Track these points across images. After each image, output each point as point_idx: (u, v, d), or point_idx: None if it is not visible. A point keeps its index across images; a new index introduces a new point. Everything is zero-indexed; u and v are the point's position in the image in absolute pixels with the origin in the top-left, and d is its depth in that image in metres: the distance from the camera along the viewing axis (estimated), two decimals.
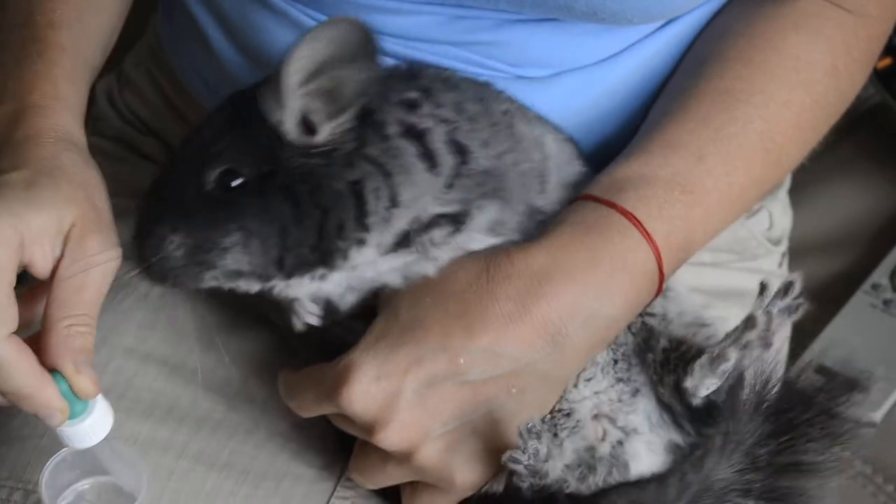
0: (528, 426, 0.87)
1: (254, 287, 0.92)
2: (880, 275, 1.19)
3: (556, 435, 0.93)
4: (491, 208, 0.93)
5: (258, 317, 1.06)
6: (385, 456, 0.92)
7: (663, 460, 0.95)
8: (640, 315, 0.95)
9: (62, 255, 0.88)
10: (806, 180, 1.16)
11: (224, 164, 0.90)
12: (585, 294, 0.91)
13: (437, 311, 0.90)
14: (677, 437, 0.95)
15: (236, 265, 0.90)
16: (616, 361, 0.95)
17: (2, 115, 0.94)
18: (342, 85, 0.89)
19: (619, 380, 0.95)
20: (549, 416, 0.93)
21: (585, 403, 0.94)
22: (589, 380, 0.94)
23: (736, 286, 1.11)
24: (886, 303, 1.18)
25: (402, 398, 0.89)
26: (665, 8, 0.99)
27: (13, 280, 0.86)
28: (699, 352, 0.92)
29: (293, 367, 0.97)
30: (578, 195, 0.96)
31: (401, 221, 0.91)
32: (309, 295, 0.94)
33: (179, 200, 0.90)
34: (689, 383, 0.92)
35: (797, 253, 1.19)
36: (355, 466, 0.95)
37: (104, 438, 0.89)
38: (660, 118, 0.99)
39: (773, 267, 1.15)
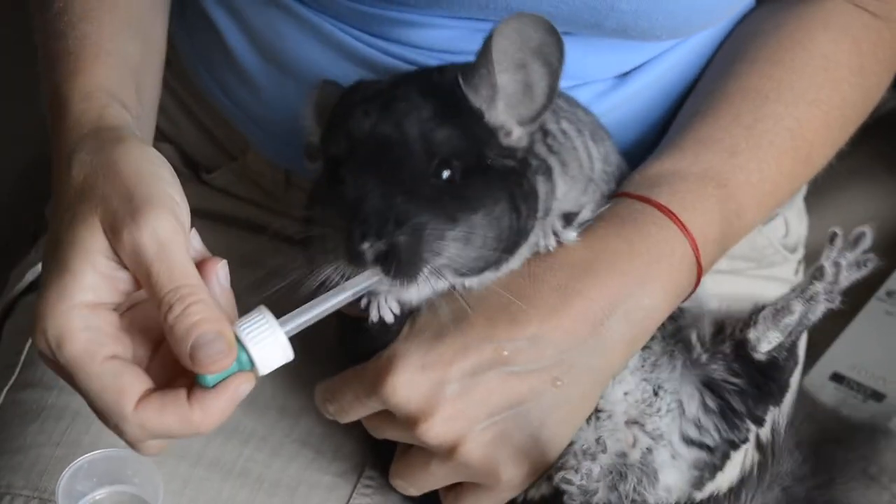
0: (584, 447, 0.87)
1: (442, 285, 0.88)
2: (895, 282, 1.19)
3: (599, 436, 0.93)
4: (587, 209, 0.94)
5: None
6: (428, 455, 0.91)
7: (689, 476, 0.95)
8: (670, 320, 0.95)
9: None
10: (821, 187, 1.15)
11: (442, 156, 0.87)
12: (626, 284, 0.91)
13: (481, 303, 0.90)
14: (712, 435, 0.95)
15: (452, 260, 0.87)
16: (643, 366, 0.95)
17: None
18: (534, 85, 0.89)
19: (644, 380, 0.95)
20: (594, 417, 0.93)
21: (620, 406, 0.94)
22: (620, 382, 0.94)
23: (753, 294, 1.11)
24: None
25: (446, 388, 0.89)
26: (692, 25, 1.00)
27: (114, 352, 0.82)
28: (761, 306, 0.92)
29: (311, 373, 0.96)
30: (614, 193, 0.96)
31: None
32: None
33: (402, 189, 0.86)
34: (752, 335, 0.92)
35: (812, 260, 1.18)
36: (397, 471, 0.94)
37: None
38: (691, 117, 1.00)
39: (790, 274, 1.15)
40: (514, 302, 0.90)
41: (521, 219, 0.89)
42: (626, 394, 0.94)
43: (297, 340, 1.04)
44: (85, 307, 0.81)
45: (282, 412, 1.02)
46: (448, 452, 0.91)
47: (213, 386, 0.81)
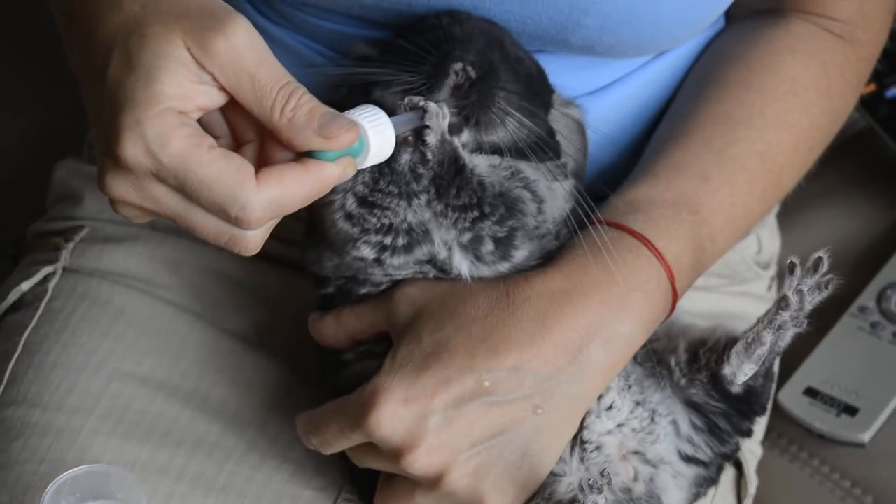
0: (590, 481, 0.88)
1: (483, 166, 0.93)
2: (867, 298, 1.21)
3: (587, 469, 0.94)
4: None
5: (255, 342, 1.07)
6: (412, 485, 0.93)
7: (688, 494, 0.97)
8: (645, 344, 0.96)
9: (214, 76, 0.83)
10: (793, 205, 1.17)
11: (527, 62, 0.97)
12: (604, 313, 0.92)
13: (461, 335, 0.91)
14: (705, 451, 0.97)
15: (508, 137, 0.93)
16: (630, 387, 0.96)
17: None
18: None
19: (637, 403, 0.96)
20: (580, 450, 0.94)
21: (612, 438, 0.95)
22: (609, 408, 0.95)
23: (726, 310, 1.12)
24: (873, 325, 1.19)
25: (430, 420, 0.90)
26: (658, 42, 1.02)
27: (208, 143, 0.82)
28: (732, 339, 0.94)
29: (290, 391, 0.96)
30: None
31: None
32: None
33: (501, 55, 0.94)
34: (727, 370, 0.94)
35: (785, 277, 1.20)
36: (381, 501, 0.95)
37: None
38: (663, 142, 1.02)
39: (763, 291, 1.16)
40: (493, 333, 0.91)
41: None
42: (619, 426, 0.96)
43: (280, 359, 1.06)
44: (176, 111, 0.82)
45: (262, 429, 1.03)
46: (433, 483, 0.92)
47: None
